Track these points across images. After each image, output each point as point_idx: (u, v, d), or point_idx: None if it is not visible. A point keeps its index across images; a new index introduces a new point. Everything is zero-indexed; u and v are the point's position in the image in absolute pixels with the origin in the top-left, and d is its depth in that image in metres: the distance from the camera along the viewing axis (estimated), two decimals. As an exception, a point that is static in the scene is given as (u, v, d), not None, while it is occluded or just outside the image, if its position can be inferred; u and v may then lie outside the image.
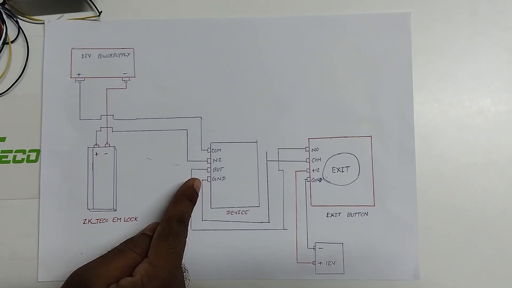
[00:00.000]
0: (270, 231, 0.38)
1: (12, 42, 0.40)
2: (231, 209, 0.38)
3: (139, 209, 0.38)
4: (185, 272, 0.34)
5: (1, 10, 0.39)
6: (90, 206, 0.38)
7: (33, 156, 0.39)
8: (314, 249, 0.38)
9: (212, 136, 0.39)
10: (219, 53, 0.39)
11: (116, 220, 0.38)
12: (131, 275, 0.31)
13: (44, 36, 0.40)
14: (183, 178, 0.38)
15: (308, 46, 0.39)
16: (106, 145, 0.39)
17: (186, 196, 0.36)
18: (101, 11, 0.39)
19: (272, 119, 0.39)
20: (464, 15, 0.40)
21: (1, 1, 0.39)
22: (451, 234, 0.38)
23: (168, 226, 0.34)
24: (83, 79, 0.39)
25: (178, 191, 0.37)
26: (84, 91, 0.39)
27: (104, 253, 0.33)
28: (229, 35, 0.40)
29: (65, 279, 0.37)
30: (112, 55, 0.39)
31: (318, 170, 0.38)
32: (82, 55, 0.39)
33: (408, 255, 0.38)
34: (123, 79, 0.39)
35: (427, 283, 0.38)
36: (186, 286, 0.33)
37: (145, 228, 0.36)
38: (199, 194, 0.38)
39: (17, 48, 0.40)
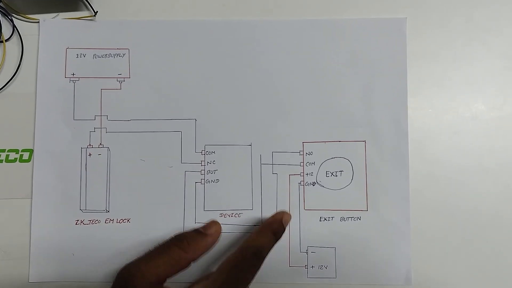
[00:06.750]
0: (263, 234, 0.38)
1: (6, 40, 0.39)
2: (224, 212, 0.38)
3: (132, 210, 0.38)
4: None
5: (-4, 8, 0.39)
6: (83, 207, 0.38)
7: (26, 155, 0.38)
8: (307, 253, 0.38)
9: (207, 138, 0.39)
10: (215, 55, 0.39)
11: (108, 221, 0.38)
12: (174, 273, 0.30)
13: (39, 35, 0.39)
14: (176, 180, 0.38)
15: (304, 49, 0.39)
16: (100, 146, 0.38)
17: (271, 229, 0.34)
18: (97, 11, 0.39)
19: (267, 122, 0.39)
20: (460, 21, 0.40)
21: (-4, -1, 0.39)
22: (443, 239, 0.38)
23: (241, 256, 0.31)
24: (77, 79, 0.39)
25: (264, 222, 0.36)
26: (78, 91, 0.39)
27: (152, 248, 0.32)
28: (225, 38, 0.40)
29: (56, 280, 0.37)
30: (107, 56, 0.39)
31: (311, 174, 0.38)
32: (77, 55, 0.39)
33: (400, 260, 0.38)
34: (118, 79, 0.39)
35: (418, 288, 0.38)
36: None
37: (203, 225, 0.34)
38: (193, 196, 0.38)
39: (12, 47, 0.39)
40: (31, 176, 0.38)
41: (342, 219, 0.38)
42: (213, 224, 0.35)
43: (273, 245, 0.34)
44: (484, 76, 0.40)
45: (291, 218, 0.37)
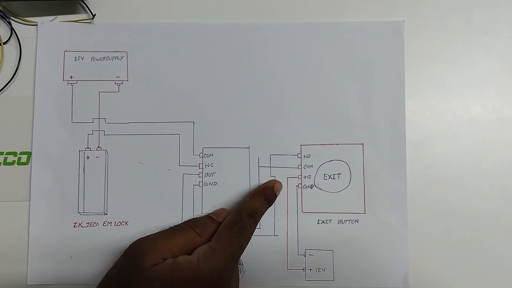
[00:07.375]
0: (261, 237, 0.38)
1: (4, 43, 0.39)
2: (222, 215, 0.38)
3: (130, 213, 0.38)
4: (240, 265, 0.34)
5: (-6, 11, 0.39)
6: (81, 210, 0.38)
7: (24, 158, 0.38)
8: (305, 255, 0.38)
9: (205, 141, 0.39)
10: (213, 58, 0.39)
11: (106, 224, 0.38)
12: (187, 253, 0.31)
13: (37, 37, 0.39)
14: (175, 182, 0.38)
15: (302, 52, 0.39)
16: (98, 149, 0.39)
17: (263, 194, 0.36)
18: (95, 14, 0.39)
19: (265, 125, 0.39)
20: (458, 23, 0.40)
21: (-6, 2, 0.39)
22: (441, 241, 0.38)
23: (237, 216, 0.33)
24: (75, 81, 0.39)
25: (256, 188, 0.37)
26: (76, 94, 0.39)
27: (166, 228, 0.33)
28: (223, 40, 0.40)
29: (54, 283, 0.37)
30: (105, 58, 0.39)
31: (309, 176, 0.38)
32: (75, 57, 0.39)
33: (398, 262, 0.38)
34: (116, 82, 0.39)
35: (416, 291, 0.38)
36: (239, 278, 0.34)
37: (212, 212, 0.36)
38: (191, 198, 0.38)
39: (10, 50, 0.40)
40: (29, 179, 0.38)
41: (340, 221, 0.38)
42: (224, 211, 0.36)
43: (265, 210, 0.36)
44: (483, 78, 0.40)
45: (282, 187, 0.38)
